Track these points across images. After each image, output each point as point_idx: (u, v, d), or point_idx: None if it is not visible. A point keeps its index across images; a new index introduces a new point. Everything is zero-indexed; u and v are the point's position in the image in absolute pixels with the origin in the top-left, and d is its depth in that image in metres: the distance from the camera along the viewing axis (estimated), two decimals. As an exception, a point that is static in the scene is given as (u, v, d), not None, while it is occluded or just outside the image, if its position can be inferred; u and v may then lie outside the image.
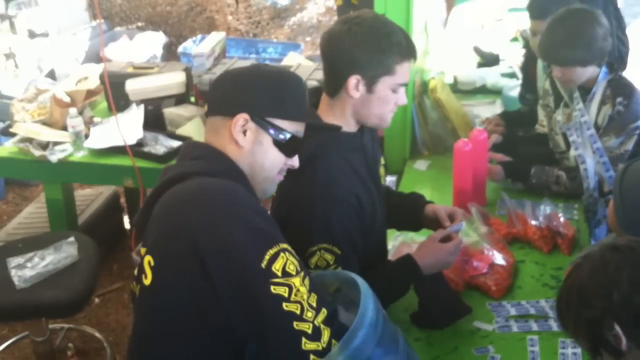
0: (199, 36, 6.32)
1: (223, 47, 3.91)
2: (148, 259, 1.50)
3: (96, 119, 3.47)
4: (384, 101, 1.86)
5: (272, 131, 1.57)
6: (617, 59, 3.37)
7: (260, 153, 1.58)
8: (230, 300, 1.40)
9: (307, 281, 1.42)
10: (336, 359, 1.38)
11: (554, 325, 2.05)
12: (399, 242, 2.38)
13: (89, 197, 4.07)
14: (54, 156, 3.19)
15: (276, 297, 1.37)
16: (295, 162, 1.65)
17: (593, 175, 2.64)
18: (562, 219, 2.45)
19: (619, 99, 2.61)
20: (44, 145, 3.25)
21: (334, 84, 1.87)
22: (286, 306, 1.38)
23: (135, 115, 3.35)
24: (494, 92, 3.77)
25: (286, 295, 1.38)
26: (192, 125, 3.33)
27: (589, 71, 2.60)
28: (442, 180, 2.84)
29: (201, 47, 3.77)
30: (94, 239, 3.07)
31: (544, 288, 2.23)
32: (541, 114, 3.04)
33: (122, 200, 4.31)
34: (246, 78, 1.61)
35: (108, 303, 3.70)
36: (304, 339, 1.38)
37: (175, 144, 3.24)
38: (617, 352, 1.38)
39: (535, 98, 3.21)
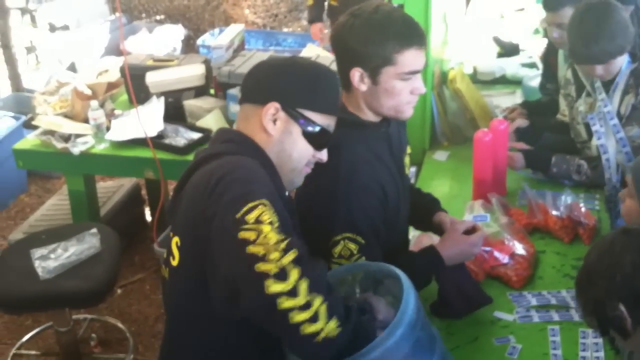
0: (217, 29, 6.35)
1: (242, 39, 3.91)
2: (175, 240, 1.53)
3: (117, 112, 3.50)
4: (391, 92, 1.83)
5: (302, 122, 1.58)
6: (637, 45, 3.33)
7: (289, 143, 1.59)
8: (213, 259, 1.41)
9: (282, 235, 1.38)
10: (370, 354, 1.38)
11: (575, 315, 2.04)
12: (419, 232, 2.38)
13: (111, 190, 4.11)
14: (76, 148, 3.22)
15: (242, 242, 1.35)
16: (323, 155, 1.65)
17: (615, 165, 2.62)
18: (583, 209, 2.44)
19: None
20: (66, 138, 3.29)
21: (342, 78, 1.87)
22: (249, 249, 1.35)
23: (155, 108, 3.37)
24: (514, 82, 3.75)
25: (252, 238, 1.35)
26: (212, 117, 3.35)
27: (620, 61, 2.57)
28: (461, 171, 2.83)
29: (220, 39, 3.79)
30: (116, 231, 3.10)
31: (564, 278, 2.22)
32: (562, 104, 3.02)
33: (143, 192, 4.35)
34: (280, 68, 1.62)
35: (130, 294, 3.74)
36: (267, 281, 1.33)
37: (196, 135, 3.26)
38: (624, 331, 1.41)
39: (556, 88, 3.19)
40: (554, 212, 2.43)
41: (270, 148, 1.58)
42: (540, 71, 3.58)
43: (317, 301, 1.36)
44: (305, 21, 6.49)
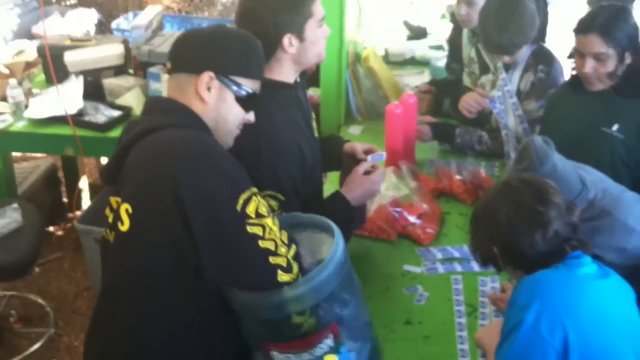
0: (131, 13, 6.31)
1: (160, 20, 3.97)
2: (125, 207, 1.59)
3: (35, 91, 3.50)
4: (315, 41, 2.00)
5: (235, 88, 1.69)
6: (540, 31, 3.60)
7: (224, 108, 1.69)
8: (204, 242, 1.50)
9: (276, 221, 1.56)
10: (304, 286, 1.52)
11: (476, 266, 2.25)
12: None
13: (27, 170, 4.09)
14: (-6, 126, 3.21)
15: (253, 236, 1.50)
16: (251, 116, 1.77)
17: (514, 140, 2.85)
18: (484, 175, 2.65)
19: (540, 67, 2.83)
20: (-17, 116, 3.27)
21: (267, 51, 1.94)
22: (262, 243, 1.50)
23: (74, 86, 3.39)
24: (423, 63, 3.96)
25: (261, 234, 1.51)
26: (131, 94, 3.39)
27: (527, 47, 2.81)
28: (375, 143, 2.91)
29: (139, 19, 3.83)
30: (33, 210, 3.12)
31: (467, 235, 2.38)
32: (467, 81, 3.24)
33: (60, 174, 4.34)
34: (212, 38, 1.71)
35: (49, 272, 3.76)
36: (279, 272, 1.51)
37: (116, 113, 3.30)
38: (497, 266, 1.74)
39: (461, 67, 3.41)
40: (458, 177, 2.64)
41: (206, 115, 1.68)
42: (446, 52, 3.80)
43: (297, 269, 1.56)
44: (220, 6, 6.55)
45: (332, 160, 2.31)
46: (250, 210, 1.52)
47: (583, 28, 2.36)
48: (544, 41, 3.01)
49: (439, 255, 2.31)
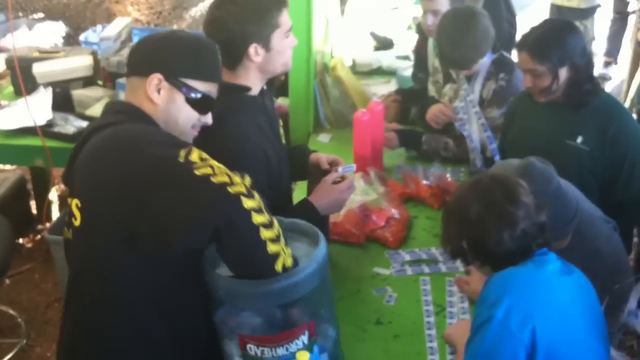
0: (99, 26, 6.30)
1: (129, 32, 4.00)
2: (75, 202, 1.64)
3: (3, 102, 3.50)
4: (282, 51, 2.04)
5: (184, 90, 1.72)
6: (507, 40, 3.72)
7: (174, 110, 1.72)
8: (165, 205, 1.51)
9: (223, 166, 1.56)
10: (294, 278, 1.56)
11: (443, 267, 2.31)
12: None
13: (-5, 182, 4.07)
14: (-37, 137, 3.21)
15: (203, 176, 1.51)
16: (208, 119, 1.80)
17: (479, 149, 2.92)
18: (449, 179, 2.72)
19: (501, 75, 2.91)
20: (-48, 127, 3.26)
21: (233, 59, 2.02)
22: (215, 179, 1.51)
23: (43, 98, 3.40)
24: (389, 72, 4.04)
25: (211, 172, 1.52)
26: (100, 105, 3.40)
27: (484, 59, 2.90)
28: (343, 151, 3.03)
29: (107, 31, 3.86)
30: (1, 224, 3.11)
31: (435, 238, 2.49)
32: (432, 90, 3.32)
33: (29, 186, 4.32)
34: (162, 41, 1.75)
35: (19, 283, 3.74)
36: (242, 198, 1.51)
37: (85, 124, 3.30)
38: (465, 260, 1.82)
39: (427, 76, 3.48)
40: (425, 182, 2.71)
41: (157, 116, 1.71)
42: (412, 62, 3.88)
43: (276, 222, 1.59)
44: (189, 18, 6.58)
45: (298, 170, 2.35)
46: (194, 157, 1.54)
47: (518, 45, 2.48)
48: (510, 51, 3.11)
49: (407, 258, 2.36)
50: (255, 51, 2.01)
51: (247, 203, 1.52)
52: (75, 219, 1.64)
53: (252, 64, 2.03)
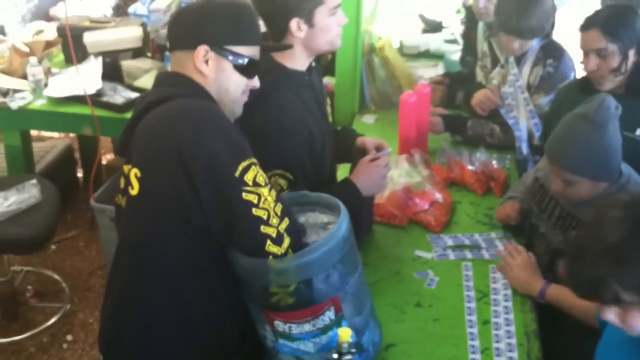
0: (148, -2, 6.37)
1: (179, 4, 4.01)
2: (134, 171, 1.66)
3: (54, 70, 3.56)
4: (326, 29, 2.03)
5: (231, 57, 1.73)
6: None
7: (223, 78, 1.74)
8: (209, 203, 1.58)
9: (273, 192, 1.61)
10: (304, 258, 1.58)
11: (486, 254, 2.30)
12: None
13: (44, 149, 4.16)
14: (14, 103, 3.27)
15: (247, 203, 1.56)
16: (256, 82, 1.81)
17: (526, 137, 2.88)
18: (495, 166, 2.70)
19: (549, 61, 2.86)
20: (4, 93, 3.33)
21: (277, 33, 2.04)
22: (255, 211, 1.56)
23: (93, 67, 3.45)
24: (437, 56, 4.00)
25: (255, 202, 1.56)
26: (149, 77, 3.45)
27: (535, 41, 2.84)
28: (388, 132, 3.04)
29: (157, 3, 3.89)
30: (49, 189, 3.17)
31: (477, 224, 2.48)
32: (479, 75, 3.29)
33: (76, 155, 4.40)
34: (201, 12, 1.75)
35: (64, 250, 3.82)
36: (268, 241, 1.57)
37: (134, 95, 3.35)
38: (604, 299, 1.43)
39: (475, 61, 3.45)
40: (470, 167, 2.69)
41: (209, 86, 1.73)
42: (460, 46, 3.84)
43: (290, 250, 1.62)
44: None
45: (344, 152, 2.35)
46: (248, 178, 1.57)
47: (585, 24, 2.40)
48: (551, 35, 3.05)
49: (450, 242, 2.36)
50: (297, 26, 2.00)
51: (270, 247, 1.58)
52: (132, 187, 1.66)
53: (295, 39, 2.03)
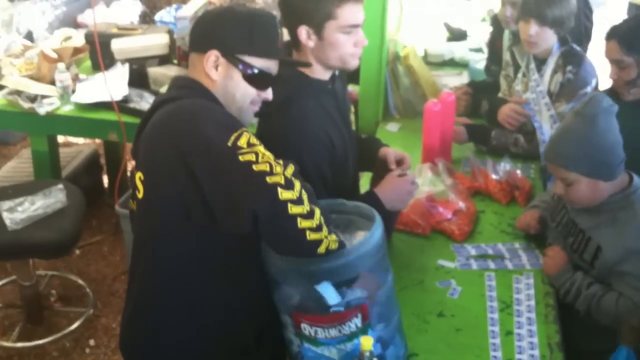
0: (174, 6, 6.44)
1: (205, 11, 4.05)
2: (139, 175, 1.70)
3: (82, 76, 3.61)
4: (336, 45, 1.98)
5: (241, 66, 1.73)
6: (584, 34, 3.66)
7: (231, 86, 1.74)
8: (210, 186, 1.56)
9: (269, 152, 1.59)
10: (343, 259, 1.58)
11: (510, 264, 2.29)
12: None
13: (70, 155, 4.21)
14: (42, 109, 3.32)
15: (247, 163, 1.53)
16: (268, 94, 1.80)
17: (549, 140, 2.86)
18: (519, 175, 2.68)
19: (569, 67, 2.84)
20: (32, 98, 3.38)
21: (291, 38, 2.03)
22: (256, 167, 1.53)
23: (120, 73, 3.49)
24: (462, 64, 3.99)
25: (254, 159, 1.54)
26: (175, 84, 3.48)
27: (554, 39, 2.83)
28: (411, 140, 3.04)
29: (184, 10, 3.91)
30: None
31: (501, 234, 2.46)
32: (503, 84, 3.27)
33: (102, 160, 4.45)
34: (219, 18, 1.76)
35: (88, 254, 3.86)
36: (279, 189, 1.52)
37: (159, 101, 3.38)
38: None
39: (500, 69, 3.43)
40: (494, 177, 2.67)
41: (216, 91, 1.74)
42: (485, 55, 3.83)
43: (317, 212, 1.57)
44: (262, 2, 6.61)
45: (367, 161, 2.35)
46: (242, 142, 1.56)
47: (607, 34, 2.45)
48: (585, 45, 3.03)
49: (473, 252, 2.34)
50: (307, 35, 1.99)
51: (284, 194, 1.52)
52: (139, 191, 1.70)
53: (306, 48, 2.02)
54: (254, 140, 1.58)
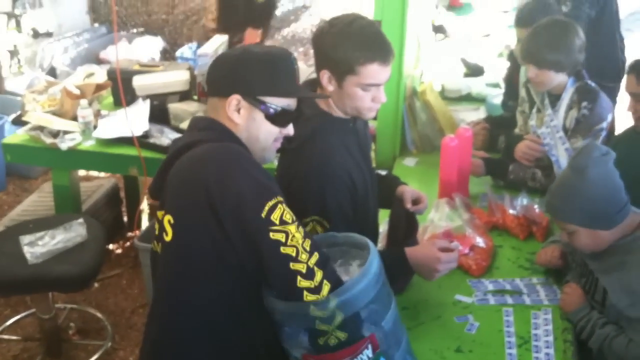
0: (195, 43, 6.54)
1: (225, 49, 4.12)
2: (168, 218, 1.70)
3: (103, 112, 3.67)
4: (353, 97, 2.02)
5: (263, 107, 1.75)
6: (621, 69, 3.79)
7: (254, 127, 1.77)
8: (239, 243, 1.60)
9: (301, 229, 1.62)
10: (336, 299, 1.58)
11: (527, 299, 2.28)
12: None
13: (90, 189, 4.25)
14: (64, 144, 3.37)
15: (274, 242, 1.58)
16: (290, 130, 1.83)
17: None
18: (537, 210, 2.68)
19: (584, 103, 2.84)
20: (55, 134, 3.44)
21: (317, 74, 2.08)
22: (283, 249, 1.58)
23: (141, 109, 3.55)
24: (479, 99, 4.02)
25: (283, 240, 1.58)
26: (195, 120, 3.53)
27: (560, 77, 2.84)
28: (429, 175, 3.06)
29: (205, 48, 3.99)
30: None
31: (519, 269, 2.45)
32: (519, 120, 3.28)
33: (122, 194, 4.50)
34: (238, 61, 1.77)
35: (107, 288, 3.88)
36: (299, 278, 1.57)
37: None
38: None
39: (517, 104, 3.45)
40: (511, 211, 2.67)
41: (239, 133, 1.77)
42: (502, 90, 3.85)
43: (326, 287, 1.60)
44: (282, 39, 6.72)
45: (385, 199, 2.36)
46: (275, 217, 1.59)
47: (628, 67, 2.52)
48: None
49: (490, 287, 2.34)
50: (328, 80, 2.03)
51: (302, 282, 1.58)
52: (167, 234, 1.70)
53: (326, 90, 2.05)
54: (287, 216, 1.61)
